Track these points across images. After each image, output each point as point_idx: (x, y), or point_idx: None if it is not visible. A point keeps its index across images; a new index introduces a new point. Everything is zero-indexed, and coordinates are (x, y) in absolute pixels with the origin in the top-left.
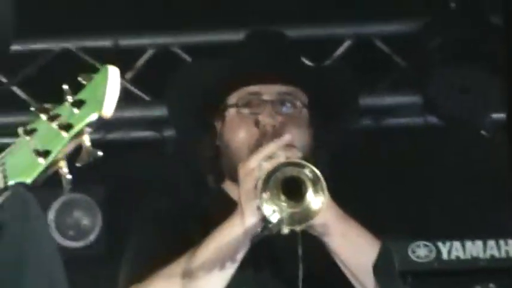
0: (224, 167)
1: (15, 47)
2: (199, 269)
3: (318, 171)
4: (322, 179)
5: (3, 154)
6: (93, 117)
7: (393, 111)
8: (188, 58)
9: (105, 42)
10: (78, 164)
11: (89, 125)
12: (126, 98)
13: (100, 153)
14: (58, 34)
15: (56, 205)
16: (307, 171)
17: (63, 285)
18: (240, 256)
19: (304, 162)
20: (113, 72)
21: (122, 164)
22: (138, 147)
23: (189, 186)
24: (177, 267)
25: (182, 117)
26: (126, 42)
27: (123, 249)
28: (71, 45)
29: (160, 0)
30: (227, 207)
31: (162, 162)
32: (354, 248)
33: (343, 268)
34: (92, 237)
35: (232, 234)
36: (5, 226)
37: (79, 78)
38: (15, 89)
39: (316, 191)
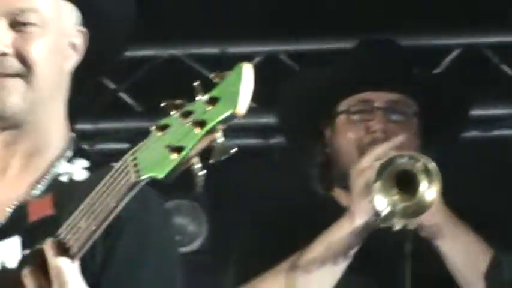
0: (334, 173)
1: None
2: (310, 264)
3: (431, 163)
4: (435, 170)
5: (135, 149)
6: (228, 114)
7: (502, 122)
8: (295, 66)
9: (213, 50)
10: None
11: (223, 122)
12: None
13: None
14: (166, 41)
15: None
16: (420, 164)
17: (175, 282)
18: (352, 252)
19: (417, 155)
20: (247, 70)
21: (228, 171)
22: (244, 154)
23: (297, 193)
24: (285, 266)
25: (293, 124)
26: (233, 49)
27: (228, 255)
28: (178, 52)
29: (268, 9)
30: (336, 214)
31: (268, 169)
32: (465, 252)
33: (453, 271)
34: (197, 243)
35: (342, 232)
36: (126, 217)
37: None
38: (122, 94)
39: (429, 182)
